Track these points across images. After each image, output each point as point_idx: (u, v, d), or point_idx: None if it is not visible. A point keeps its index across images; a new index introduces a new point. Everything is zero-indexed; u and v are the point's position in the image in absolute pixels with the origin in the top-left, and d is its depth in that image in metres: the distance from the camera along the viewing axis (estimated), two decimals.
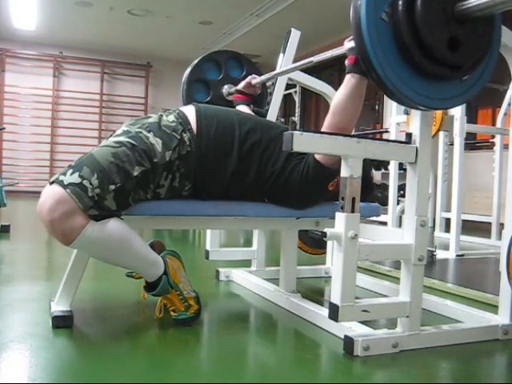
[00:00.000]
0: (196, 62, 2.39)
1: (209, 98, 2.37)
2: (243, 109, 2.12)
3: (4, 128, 6.76)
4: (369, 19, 1.24)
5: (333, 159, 1.62)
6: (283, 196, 1.73)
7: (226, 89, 2.37)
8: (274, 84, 2.39)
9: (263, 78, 2.20)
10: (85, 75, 9.14)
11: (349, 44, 1.55)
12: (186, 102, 2.29)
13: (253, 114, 2.07)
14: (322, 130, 1.61)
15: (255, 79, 2.21)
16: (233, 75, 2.41)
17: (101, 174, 1.43)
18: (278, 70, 2.23)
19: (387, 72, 1.26)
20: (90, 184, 1.41)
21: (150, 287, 1.60)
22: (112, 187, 1.44)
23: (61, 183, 1.41)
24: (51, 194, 1.40)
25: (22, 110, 8.72)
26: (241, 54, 2.49)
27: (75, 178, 1.41)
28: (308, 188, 1.69)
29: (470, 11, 1.26)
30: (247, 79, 2.22)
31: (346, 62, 1.56)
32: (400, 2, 1.25)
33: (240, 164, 1.66)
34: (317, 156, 1.65)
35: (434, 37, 1.25)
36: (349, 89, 1.56)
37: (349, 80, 1.56)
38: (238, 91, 2.24)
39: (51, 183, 1.43)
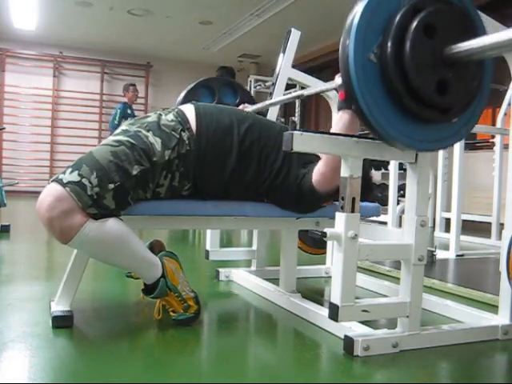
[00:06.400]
0: (190, 86, 2.41)
1: None
2: None
3: (4, 128, 6.76)
4: (357, 59, 1.20)
5: (331, 186, 1.61)
6: (281, 197, 1.73)
7: None
8: (274, 84, 2.39)
9: (255, 107, 2.23)
10: (85, 75, 9.14)
11: (339, 79, 1.54)
12: None
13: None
14: (316, 175, 1.62)
15: (247, 108, 2.23)
16: (226, 102, 2.41)
17: (100, 173, 1.43)
18: (271, 100, 2.25)
19: (374, 113, 1.23)
20: (90, 182, 1.42)
21: (148, 290, 1.60)
22: (111, 186, 1.44)
23: (60, 181, 1.41)
24: (50, 191, 1.41)
25: (22, 110, 8.72)
26: (235, 81, 2.51)
27: (74, 177, 1.42)
28: (303, 201, 1.70)
29: (459, 56, 1.23)
30: (240, 107, 2.24)
31: (338, 98, 1.54)
32: (389, 44, 1.21)
33: (239, 162, 1.66)
34: (314, 180, 1.64)
35: (423, 79, 1.21)
36: (342, 125, 1.53)
37: (341, 117, 1.54)
38: None
39: (51, 182, 1.43)
